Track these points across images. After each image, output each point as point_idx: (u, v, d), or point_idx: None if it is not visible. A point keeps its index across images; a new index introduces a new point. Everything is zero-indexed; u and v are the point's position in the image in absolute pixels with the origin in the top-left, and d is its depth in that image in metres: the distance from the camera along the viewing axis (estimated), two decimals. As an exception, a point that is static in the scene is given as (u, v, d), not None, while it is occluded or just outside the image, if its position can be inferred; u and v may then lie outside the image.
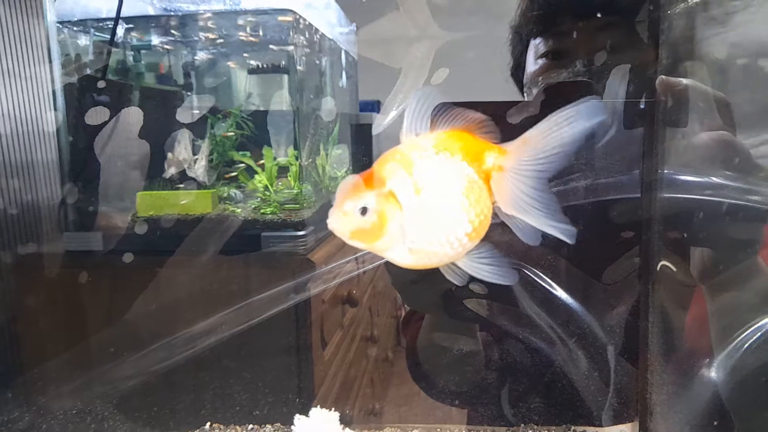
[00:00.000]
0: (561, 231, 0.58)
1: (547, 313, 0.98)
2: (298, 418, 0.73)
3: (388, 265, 1.11)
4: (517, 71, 1.20)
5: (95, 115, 1.06)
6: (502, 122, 0.63)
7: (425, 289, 1.04)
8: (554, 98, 0.99)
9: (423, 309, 1.15)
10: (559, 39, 1.08)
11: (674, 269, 0.91)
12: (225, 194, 1.53)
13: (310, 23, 1.54)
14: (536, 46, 1.12)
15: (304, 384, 1.22)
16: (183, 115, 1.42)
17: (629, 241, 0.97)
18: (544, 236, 0.99)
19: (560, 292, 0.97)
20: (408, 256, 0.58)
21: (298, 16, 1.42)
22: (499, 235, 0.99)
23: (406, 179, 0.57)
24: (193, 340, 1.06)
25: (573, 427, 0.99)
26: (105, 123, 1.07)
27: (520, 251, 0.98)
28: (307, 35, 1.60)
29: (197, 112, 1.44)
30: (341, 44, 1.83)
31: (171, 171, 1.46)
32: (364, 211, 0.56)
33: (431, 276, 1.03)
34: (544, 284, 0.97)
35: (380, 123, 1.01)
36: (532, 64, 1.14)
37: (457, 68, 0.96)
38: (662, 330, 0.95)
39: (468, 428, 0.99)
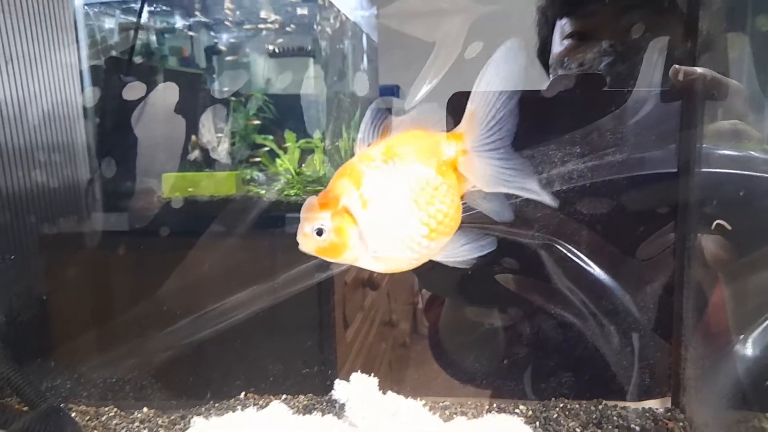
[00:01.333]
0: (541, 196, 0.58)
1: (579, 289, 0.98)
2: (339, 383, 0.74)
3: None
4: (543, 52, 1.19)
5: (132, 91, 1.07)
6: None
7: (442, 274, 1.04)
8: (565, 90, 1.00)
9: (440, 292, 1.16)
10: (584, 19, 1.07)
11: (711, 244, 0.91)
12: (248, 176, 1.54)
13: (334, 5, 1.54)
14: (562, 26, 1.11)
15: (330, 359, 1.23)
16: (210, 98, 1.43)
17: (665, 216, 0.96)
18: (576, 212, 1.00)
19: (593, 268, 0.97)
20: (376, 264, 0.61)
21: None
22: (531, 211, 1.00)
23: (355, 193, 0.59)
24: (223, 314, 1.07)
25: (604, 402, 0.99)
26: (141, 99, 1.08)
27: (554, 227, 0.98)
28: (331, 18, 1.60)
29: (227, 90, 1.45)
30: (363, 27, 1.83)
31: (195, 153, 1.48)
32: (320, 232, 0.59)
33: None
34: (577, 260, 0.97)
35: (413, 98, 1.01)
36: (557, 45, 1.13)
37: (492, 42, 0.95)
38: (697, 306, 0.94)
39: (499, 402, 1.00)
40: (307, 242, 0.60)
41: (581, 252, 0.97)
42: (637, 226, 0.98)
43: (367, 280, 1.73)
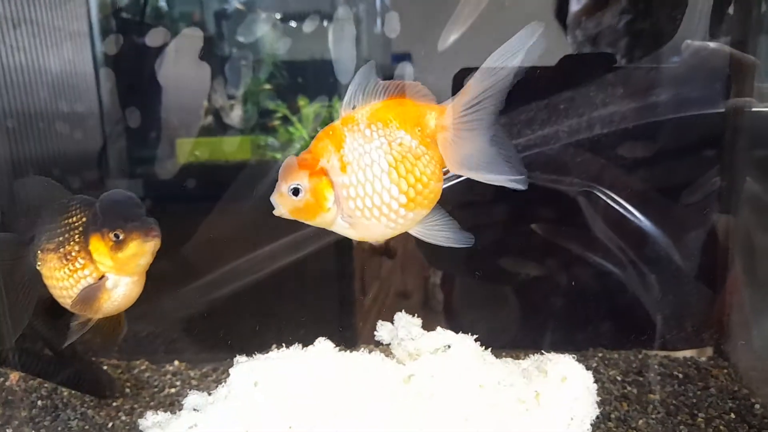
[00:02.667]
0: (509, 182, 0.57)
1: (619, 237, 0.95)
2: (382, 324, 0.72)
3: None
4: (561, 12, 1.14)
5: (155, 36, 1.04)
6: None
7: (449, 251, 1.05)
8: (574, 70, 0.96)
9: (447, 270, 1.14)
10: None
11: (760, 187, 0.87)
12: (263, 142, 1.51)
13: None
14: None
15: (351, 323, 1.22)
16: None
17: (711, 159, 0.93)
18: (618, 156, 0.96)
19: (635, 215, 0.93)
20: (350, 231, 0.60)
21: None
22: (571, 157, 0.96)
23: (334, 156, 0.58)
24: (243, 273, 1.06)
25: (644, 351, 0.97)
26: (164, 46, 1.05)
27: (594, 173, 0.94)
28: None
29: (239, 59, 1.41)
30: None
31: (208, 118, 1.45)
32: (296, 191, 0.59)
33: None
34: (617, 207, 0.94)
35: (444, 41, 0.97)
36: (575, 3, 1.08)
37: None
38: (744, 251, 0.91)
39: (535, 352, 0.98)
40: (283, 202, 0.59)
41: (622, 198, 0.94)
42: (681, 170, 0.94)
43: (384, 249, 1.71)
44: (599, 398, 0.69)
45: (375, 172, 0.58)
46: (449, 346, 0.64)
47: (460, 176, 0.96)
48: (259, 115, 1.51)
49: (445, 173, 0.62)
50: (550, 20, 1.08)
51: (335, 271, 1.23)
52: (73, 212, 0.71)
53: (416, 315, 0.73)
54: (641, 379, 0.90)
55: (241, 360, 0.66)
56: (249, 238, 1.11)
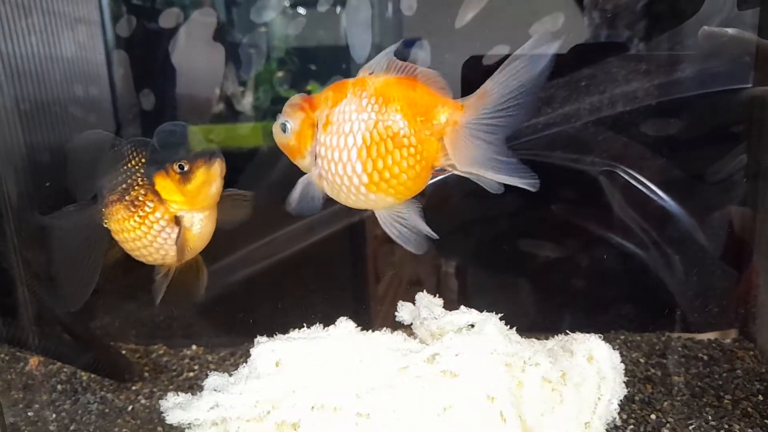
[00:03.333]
0: (522, 184, 0.57)
1: (642, 217, 0.92)
2: (403, 304, 0.71)
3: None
4: None
5: (168, 17, 1.02)
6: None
7: (458, 239, 1.02)
8: (585, 60, 0.92)
9: (458, 260, 1.12)
10: None
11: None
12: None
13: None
14: None
15: (365, 309, 1.22)
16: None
17: (737, 135, 0.90)
18: (641, 134, 0.94)
19: (658, 193, 0.91)
20: (324, 185, 0.61)
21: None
22: (592, 135, 0.94)
23: (327, 111, 0.59)
24: (258, 257, 1.05)
25: (667, 333, 0.95)
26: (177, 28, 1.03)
27: (616, 151, 0.92)
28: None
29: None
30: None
31: (219, 105, 1.43)
32: (284, 128, 0.61)
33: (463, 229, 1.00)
34: (640, 186, 0.92)
35: (460, 21, 0.94)
36: None
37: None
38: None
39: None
40: (276, 132, 0.62)
41: (645, 177, 0.91)
42: (705, 147, 0.92)
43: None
44: (626, 378, 0.67)
45: (348, 142, 0.58)
46: (473, 325, 0.63)
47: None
48: (271, 102, 1.50)
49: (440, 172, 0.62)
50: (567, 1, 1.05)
51: (348, 257, 1.22)
52: (130, 156, 0.68)
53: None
54: (665, 361, 0.89)
55: (261, 340, 0.65)
56: (263, 224, 1.10)
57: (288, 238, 1.08)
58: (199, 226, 0.66)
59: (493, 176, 0.58)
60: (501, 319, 0.66)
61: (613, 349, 0.91)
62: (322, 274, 1.12)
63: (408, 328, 0.71)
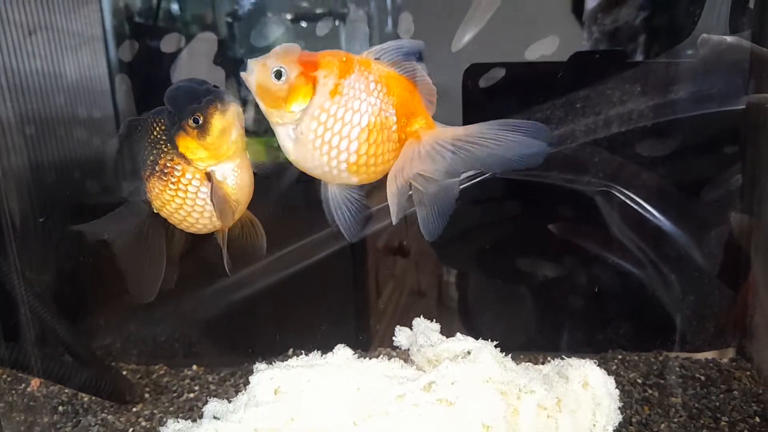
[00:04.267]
0: (396, 213, 0.61)
1: (638, 236, 0.93)
2: (400, 329, 0.72)
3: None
4: (577, 8, 1.13)
5: (170, 42, 1.04)
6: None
7: (460, 248, 1.04)
8: (585, 67, 0.94)
9: (458, 267, 1.13)
10: None
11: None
12: (275, 144, 1.50)
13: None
14: None
15: (366, 323, 1.22)
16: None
17: (732, 155, 0.91)
18: (639, 153, 0.95)
19: (654, 213, 0.92)
20: (289, 145, 0.60)
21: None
22: (589, 155, 0.95)
23: (335, 78, 0.58)
24: (260, 276, 1.06)
25: (664, 353, 0.96)
26: (179, 51, 1.05)
27: (612, 171, 0.93)
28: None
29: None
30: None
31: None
32: (279, 74, 0.57)
33: (467, 235, 1.02)
34: (635, 206, 0.93)
35: (459, 40, 0.96)
36: (591, 0, 1.06)
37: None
38: (766, 251, 0.89)
39: (553, 355, 0.97)
40: (259, 73, 0.58)
41: (641, 196, 0.92)
42: (701, 167, 0.93)
43: (398, 248, 1.70)
44: (621, 403, 0.68)
45: (353, 120, 0.59)
46: (469, 353, 0.64)
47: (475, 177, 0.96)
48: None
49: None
50: (568, 15, 1.07)
51: (349, 272, 1.23)
52: (151, 127, 0.67)
53: (433, 317, 0.73)
54: (662, 381, 0.89)
55: (261, 367, 0.66)
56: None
57: (289, 256, 1.09)
58: (233, 177, 0.64)
59: (392, 193, 0.62)
60: (496, 339, 0.67)
61: (611, 369, 0.93)
62: (323, 292, 1.12)
63: (405, 352, 0.72)
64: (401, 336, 0.70)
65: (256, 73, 0.58)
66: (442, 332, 0.72)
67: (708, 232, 0.92)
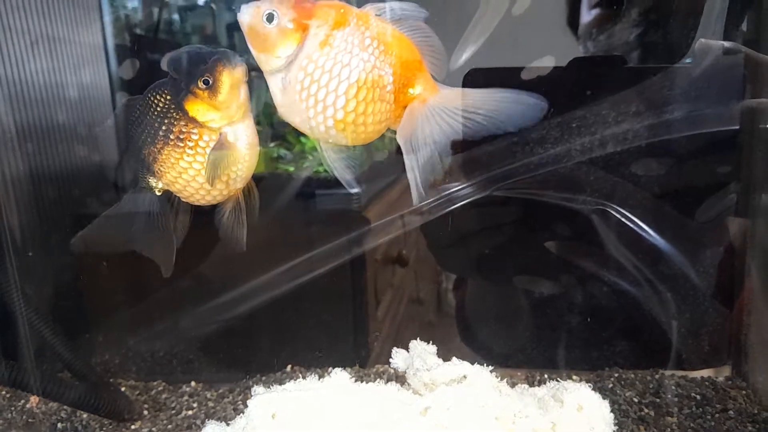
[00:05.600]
0: (416, 185, 0.59)
1: (633, 255, 0.94)
2: (397, 351, 0.72)
3: (425, 229, 1.12)
4: (573, 20, 1.14)
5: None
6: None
7: (459, 253, 1.05)
8: (584, 72, 0.95)
9: (457, 272, 1.14)
10: None
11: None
12: (275, 154, 1.51)
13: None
14: None
15: (365, 337, 1.23)
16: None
17: (726, 175, 0.92)
18: (635, 175, 0.95)
19: (649, 232, 0.93)
20: (277, 95, 0.58)
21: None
22: (585, 174, 0.96)
23: (327, 29, 0.56)
24: (259, 290, 1.06)
25: (661, 371, 0.96)
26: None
27: (606, 190, 0.94)
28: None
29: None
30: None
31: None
32: (270, 18, 0.56)
33: (466, 240, 1.02)
34: (631, 224, 0.93)
35: (459, 58, 0.96)
36: (585, 15, 1.07)
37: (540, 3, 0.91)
38: (762, 268, 0.90)
39: (550, 372, 0.98)
40: (251, 15, 0.57)
41: (636, 216, 0.93)
42: (696, 187, 0.93)
43: (397, 257, 1.71)
44: (616, 422, 0.69)
45: (342, 74, 0.57)
46: (465, 377, 0.64)
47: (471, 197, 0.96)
48: (271, 127, 1.52)
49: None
50: (564, 36, 1.08)
51: (348, 287, 1.23)
52: (154, 102, 0.66)
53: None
54: (658, 400, 0.89)
55: (258, 391, 0.66)
56: (265, 255, 1.11)
57: (288, 270, 1.09)
58: (245, 138, 0.65)
59: (410, 165, 0.60)
60: (492, 365, 0.67)
61: (607, 387, 0.93)
62: (322, 309, 1.13)
63: (402, 374, 0.72)
64: (398, 358, 0.71)
65: (249, 15, 0.57)
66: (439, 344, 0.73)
67: (703, 251, 0.93)
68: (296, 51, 0.57)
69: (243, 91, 0.63)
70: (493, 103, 0.59)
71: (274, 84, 0.59)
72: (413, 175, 0.60)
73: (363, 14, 0.58)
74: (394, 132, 0.64)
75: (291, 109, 0.59)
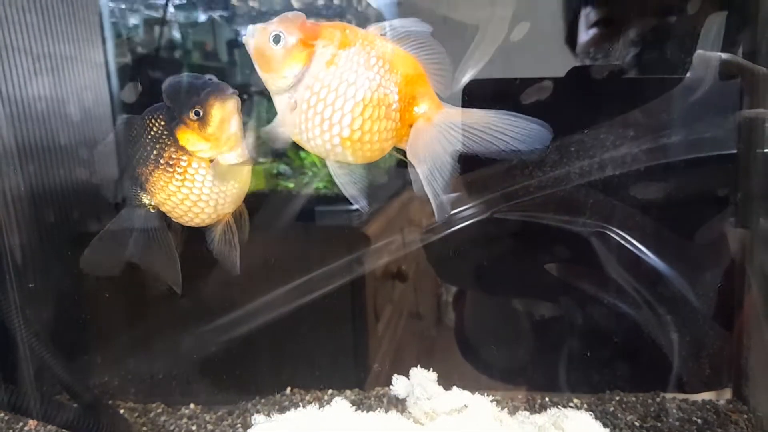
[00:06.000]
0: (434, 197, 0.59)
1: (633, 277, 0.94)
2: (397, 378, 0.72)
3: (425, 241, 1.12)
4: (571, 39, 1.15)
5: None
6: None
7: (459, 265, 1.05)
8: (583, 81, 0.96)
9: (457, 284, 1.14)
10: (608, 7, 1.03)
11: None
12: (275, 170, 1.52)
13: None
14: (587, 15, 1.07)
15: (365, 354, 1.22)
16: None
17: (724, 198, 0.92)
18: (631, 197, 0.96)
19: (649, 255, 0.93)
20: (285, 113, 0.59)
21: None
22: (583, 197, 0.96)
23: (333, 49, 0.57)
24: (258, 311, 1.06)
25: (662, 394, 0.96)
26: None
27: (605, 213, 0.94)
28: (356, 7, 1.56)
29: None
30: (385, 15, 1.79)
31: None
32: (277, 39, 0.58)
33: (466, 252, 1.02)
34: (630, 247, 0.94)
35: (457, 82, 0.97)
36: (583, 34, 1.09)
37: (538, 22, 0.92)
38: (761, 291, 0.90)
39: (551, 395, 0.97)
40: (259, 36, 0.58)
41: (635, 238, 0.93)
42: (695, 210, 0.94)
43: (396, 273, 1.71)
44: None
45: (347, 92, 0.58)
46: (466, 407, 0.64)
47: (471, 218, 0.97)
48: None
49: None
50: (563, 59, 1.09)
51: (348, 311, 1.23)
52: (149, 125, 0.68)
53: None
54: (660, 424, 0.89)
55: (259, 419, 0.66)
56: (260, 277, 1.11)
57: (289, 292, 1.09)
58: (236, 162, 0.66)
59: (423, 179, 0.61)
60: (492, 399, 0.67)
61: (608, 410, 0.93)
62: (323, 331, 1.13)
63: (402, 401, 0.72)
64: (398, 385, 0.70)
65: (256, 36, 0.59)
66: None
67: (702, 273, 0.93)
68: (302, 71, 0.58)
69: (234, 123, 0.64)
70: (497, 125, 0.60)
71: (281, 103, 0.61)
72: (431, 190, 0.60)
73: (368, 34, 0.60)
74: (398, 150, 0.65)
75: (299, 129, 0.61)
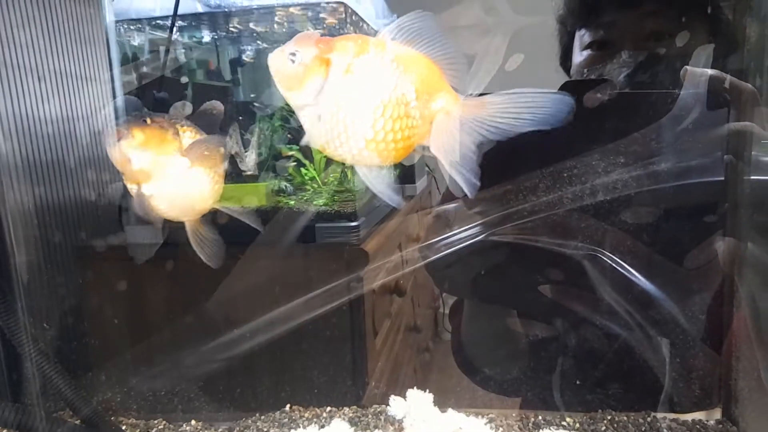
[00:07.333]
0: (465, 181, 0.61)
1: (625, 300, 0.97)
2: (394, 399, 0.74)
3: (424, 251, 1.14)
4: (566, 62, 1.18)
5: (182, 110, 1.09)
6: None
7: (458, 274, 1.07)
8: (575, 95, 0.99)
9: (455, 293, 1.16)
10: (603, 29, 1.06)
11: (763, 253, 0.89)
12: (276, 187, 1.54)
13: (359, 16, 1.54)
14: (581, 37, 1.10)
15: (363, 369, 1.24)
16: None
17: (713, 224, 0.95)
18: (621, 221, 0.99)
19: (640, 278, 0.96)
20: (317, 125, 0.62)
21: (350, 10, 1.42)
22: (576, 221, 0.99)
23: (347, 58, 0.60)
24: (259, 328, 1.08)
25: (653, 414, 0.98)
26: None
27: (599, 237, 0.97)
28: (356, 29, 1.60)
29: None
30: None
31: (224, 165, 1.49)
32: (294, 57, 0.61)
33: (464, 260, 1.05)
34: (622, 270, 0.96)
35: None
36: (577, 56, 1.12)
37: (533, 53, 0.95)
38: (749, 315, 0.93)
39: (545, 414, 0.99)
40: (278, 59, 0.62)
41: (627, 262, 0.96)
42: (684, 235, 0.97)
43: (394, 287, 1.73)
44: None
45: (366, 96, 0.60)
46: (461, 429, 0.66)
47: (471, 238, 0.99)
48: (273, 159, 1.56)
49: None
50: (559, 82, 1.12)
51: (347, 328, 1.24)
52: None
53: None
54: (650, 445, 0.91)
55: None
56: (261, 294, 1.13)
57: (289, 309, 1.11)
58: (157, 195, 0.73)
59: (450, 170, 0.63)
60: (486, 422, 0.69)
61: (600, 430, 0.95)
62: (323, 348, 1.14)
63: (399, 423, 0.74)
64: (395, 406, 0.73)
65: (275, 58, 0.62)
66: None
67: (692, 297, 0.96)
68: (322, 84, 0.61)
69: (139, 161, 0.70)
70: (516, 106, 0.62)
71: (305, 118, 0.64)
72: (459, 173, 0.62)
73: (379, 41, 0.63)
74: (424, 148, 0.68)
75: (326, 140, 0.64)
